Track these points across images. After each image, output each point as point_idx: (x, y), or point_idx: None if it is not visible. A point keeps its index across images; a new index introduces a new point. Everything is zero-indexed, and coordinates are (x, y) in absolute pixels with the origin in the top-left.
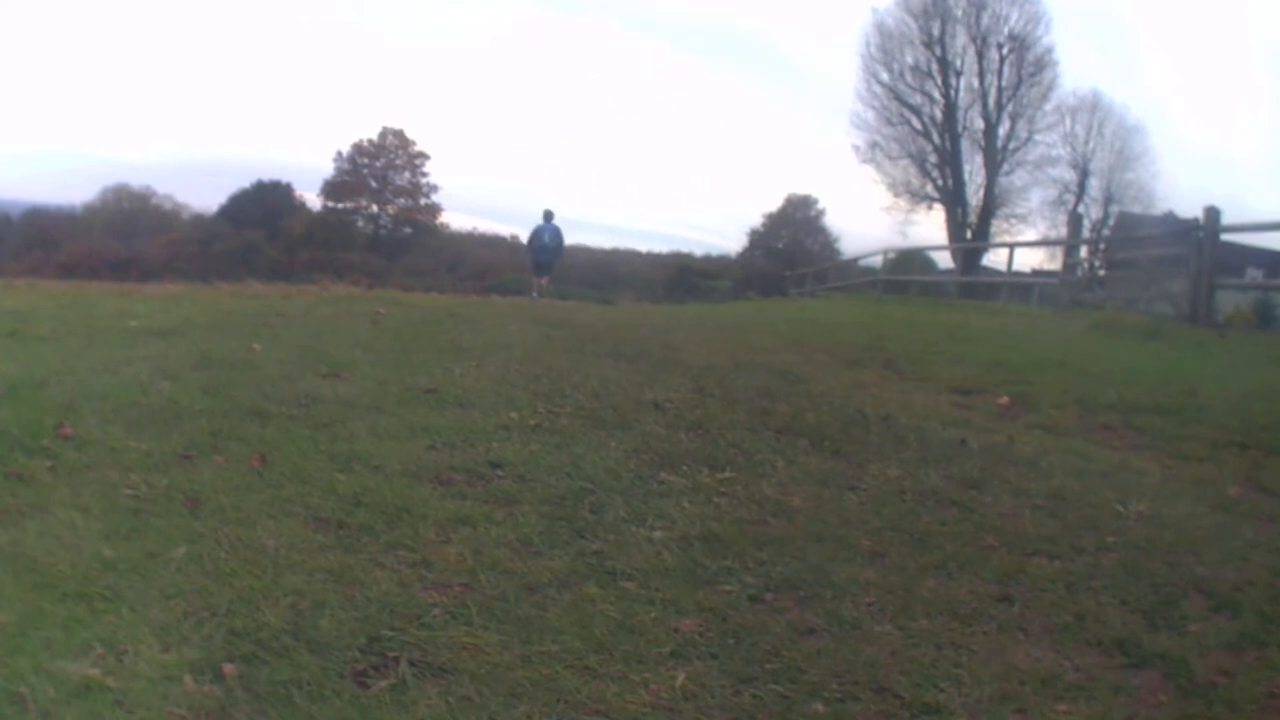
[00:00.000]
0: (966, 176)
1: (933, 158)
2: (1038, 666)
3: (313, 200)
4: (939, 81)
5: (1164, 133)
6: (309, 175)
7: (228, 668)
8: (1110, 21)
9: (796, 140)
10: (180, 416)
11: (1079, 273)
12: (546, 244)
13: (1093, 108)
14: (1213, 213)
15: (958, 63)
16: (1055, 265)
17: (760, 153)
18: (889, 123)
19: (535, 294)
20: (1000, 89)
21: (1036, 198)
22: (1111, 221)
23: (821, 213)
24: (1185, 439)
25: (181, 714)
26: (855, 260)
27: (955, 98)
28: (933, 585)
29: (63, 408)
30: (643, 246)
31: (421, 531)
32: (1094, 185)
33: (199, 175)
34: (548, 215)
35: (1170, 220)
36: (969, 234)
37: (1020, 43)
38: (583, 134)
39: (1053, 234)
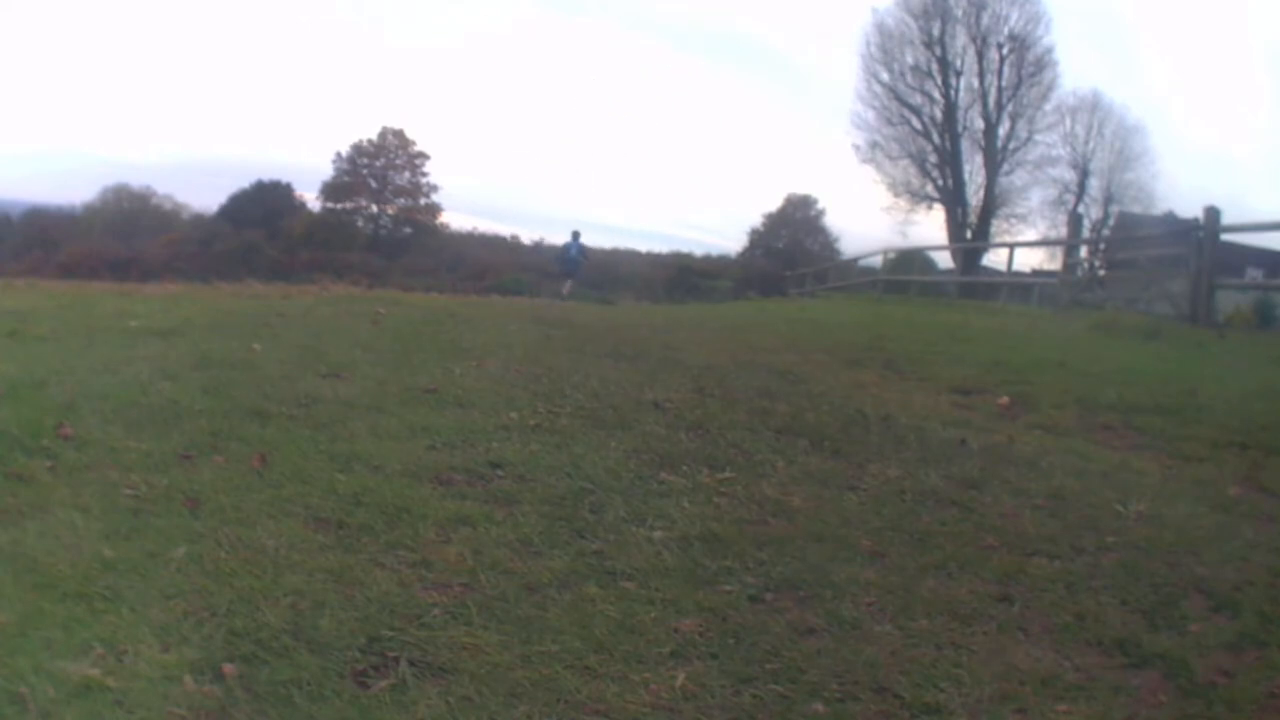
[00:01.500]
0: (966, 176)
1: (933, 158)
2: (1038, 666)
3: (313, 200)
4: (939, 81)
5: (1164, 133)
6: (309, 175)
7: (228, 668)
8: (1110, 21)
9: (796, 140)
10: (180, 416)
11: (1079, 273)
12: (572, 256)
13: (1093, 108)
14: (1213, 213)
15: (958, 63)
16: (1055, 265)
17: (760, 153)
18: (889, 123)
19: (564, 292)
20: (1000, 89)
21: (1036, 198)
22: (1111, 221)
23: (821, 213)
24: (1185, 439)
25: (181, 714)
26: (855, 260)
27: (955, 98)
28: (933, 585)
29: (63, 408)
30: (643, 246)
31: (421, 531)
32: (1094, 185)
33: (199, 175)
34: (575, 234)
35: (1170, 220)
36: (969, 234)
37: (1020, 43)
38: (583, 134)
39: (1053, 234)
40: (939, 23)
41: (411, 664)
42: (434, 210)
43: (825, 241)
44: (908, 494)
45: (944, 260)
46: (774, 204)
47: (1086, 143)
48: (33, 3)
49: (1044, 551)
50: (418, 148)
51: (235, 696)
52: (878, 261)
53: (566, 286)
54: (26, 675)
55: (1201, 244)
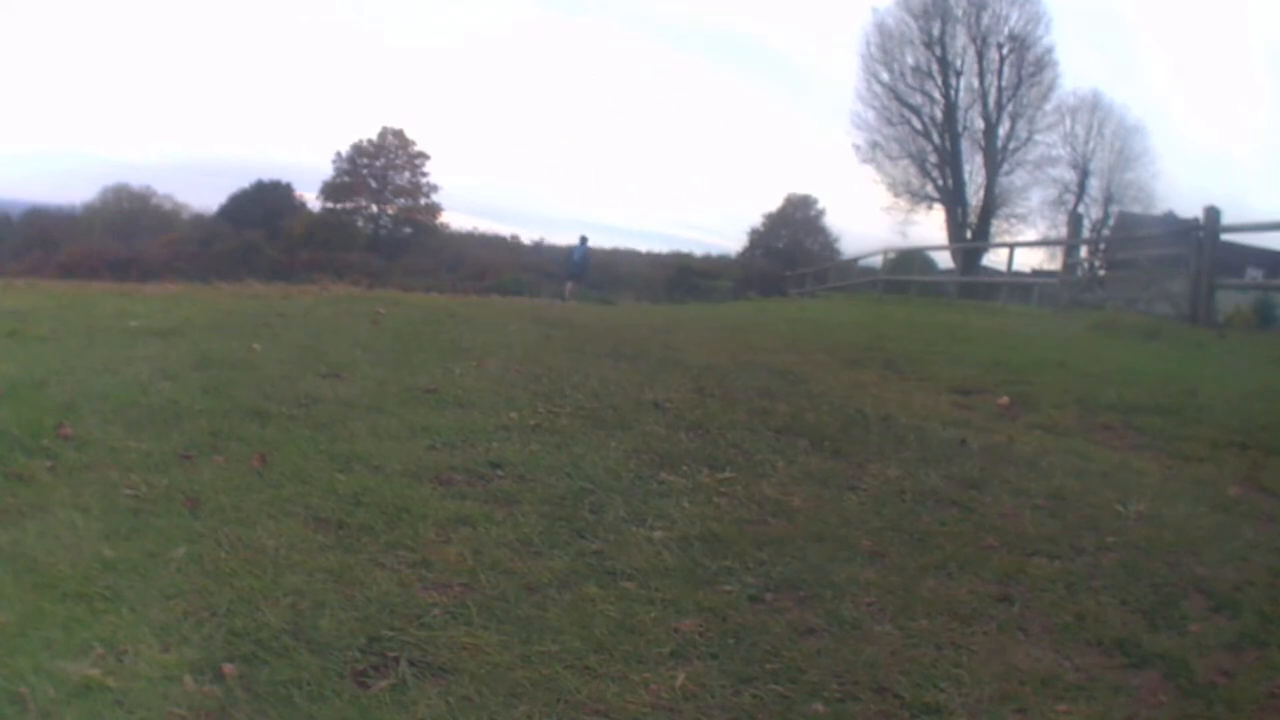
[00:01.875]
0: (966, 176)
1: (933, 158)
2: (1038, 666)
3: (313, 200)
4: (939, 81)
5: (1164, 133)
6: (309, 175)
7: (228, 668)
8: (1110, 21)
9: (796, 140)
10: (180, 416)
11: (1079, 273)
12: (576, 260)
13: (1093, 108)
14: (1213, 213)
15: (958, 63)
16: (1055, 265)
17: (760, 153)
18: (889, 123)
19: (566, 295)
20: (1000, 89)
21: (1036, 198)
22: (1111, 221)
23: (821, 213)
24: (1185, 439)
25: (181, 714)
26: (855, 260)
27: (955, 98)
28: (933, 585)
29: (63, 408)
30: (643, 246)
31: (421, 531)
32: (1094, 185)
33: (199, 175)
34: (582, 239)
35: (1170, 220)
36: (969, 234)
37: (1020, 43)
38: (583, 134)
39: (1053, 234)
40: (939, 23)
41: (411, 664)
42: (434, 210)
43: (825, 241)
44: (908, 494)
45: (944, 260)
46: (774, 204)
47: (1086, 143)
48: (33, 3)
49: (1044, 551)
50: (418, 148)
51: (235, 696)
52: (878, 261)
53: (568, 288)
54: (26, 675)
55: (1201, 244)
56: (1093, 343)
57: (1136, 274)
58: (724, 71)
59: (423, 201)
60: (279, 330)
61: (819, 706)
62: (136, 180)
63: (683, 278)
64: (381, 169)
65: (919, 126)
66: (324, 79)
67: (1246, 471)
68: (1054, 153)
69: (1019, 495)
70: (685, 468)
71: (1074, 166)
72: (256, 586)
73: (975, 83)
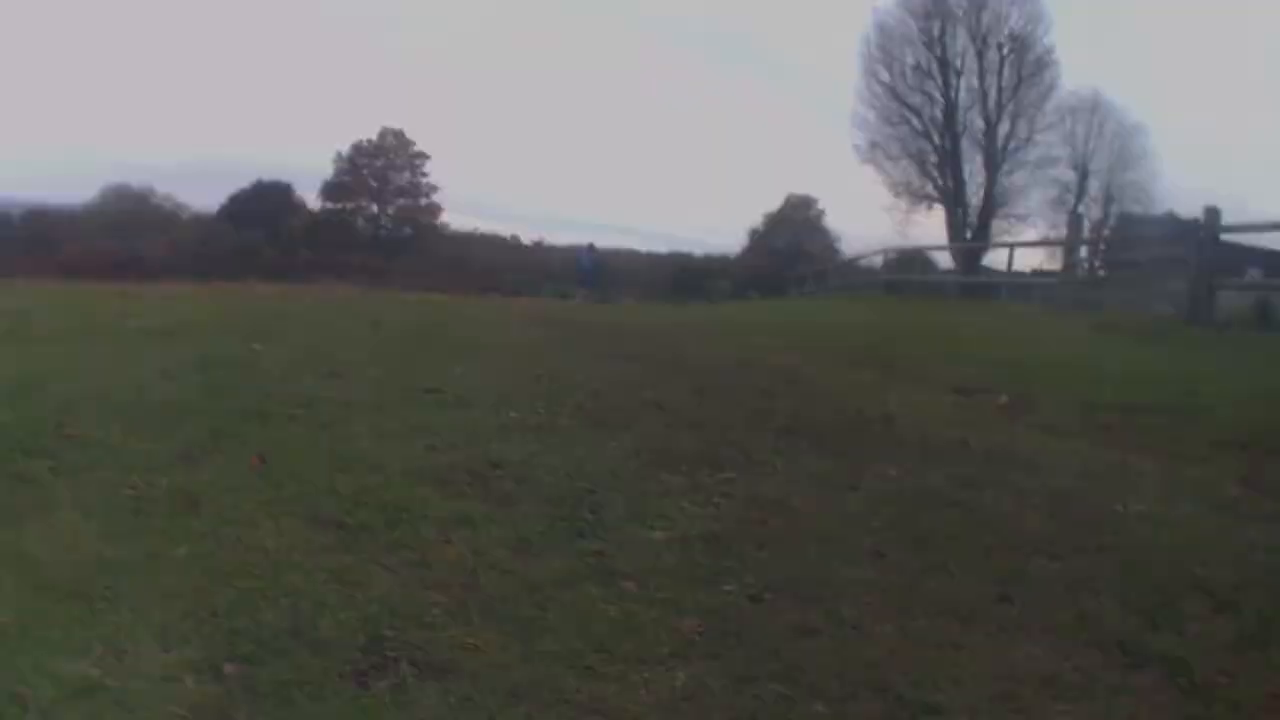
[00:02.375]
0: (967, 176)
1: (933, 158)
2: (1038, 666)
3: (313, 200)
4: (939, 81)
5: (1164, 133)
6: (309, 175)
7: (228, 668)
8: (1110, 21)
9: (796, 140)
10: (180, 416)
11: (1079, 273)
12: (586, 268)
13: (1093, 108)
14: (1213, 213)
15: (958, 63)
16: (1055, 265)
17: (760, 153)
18: (889, 123)
19: (579, 299)
20: (1000, 89)
21: (1036, 198)
22: (1112, 221)
23: (821, 213)
24: (1185, 439)
25: (181, 714)
26: (855, 260)
27: (955, 98)
28: (933, 585)
29: (63, 408)
30: (643, 246)
31: (421, 531)
32: (1094, 185)
33: (199, 175)
34: (590, 247)
35: (1170, 220)
36: (969, 234)
37: (1020, 43)
38: (583, 133)
39: (1053, 234)
40: (939, 22)
41: (411, 664)
42: (434, 210)
43: (825, 242)
44: (908, 494)
45: (945, 260)
46: (774, 204)
47: (1086, 143)
48: (34, 2)
49: (1044, 551)
50: (418, 148)
51: (235, 696)
52: (878, 261)
53: (579, 294)
54: (26, 675)
55: (1201, 244)
56: (1093, 343)
57: (1137, 274)
58: (724, 71)
59: (423, 201)
60: (279, 330)
61: (819, 706)
62: (136, 180)
63: (683, 278)
64: (381, 169)
65: (919, 126)
66: (324, 79)
67: (1246, 471)
68: (1054, 153)
69: (1019, 495)
70: (685, 468)
71: (1074, 166)
72: (256, 586)
73: (975, 83)
